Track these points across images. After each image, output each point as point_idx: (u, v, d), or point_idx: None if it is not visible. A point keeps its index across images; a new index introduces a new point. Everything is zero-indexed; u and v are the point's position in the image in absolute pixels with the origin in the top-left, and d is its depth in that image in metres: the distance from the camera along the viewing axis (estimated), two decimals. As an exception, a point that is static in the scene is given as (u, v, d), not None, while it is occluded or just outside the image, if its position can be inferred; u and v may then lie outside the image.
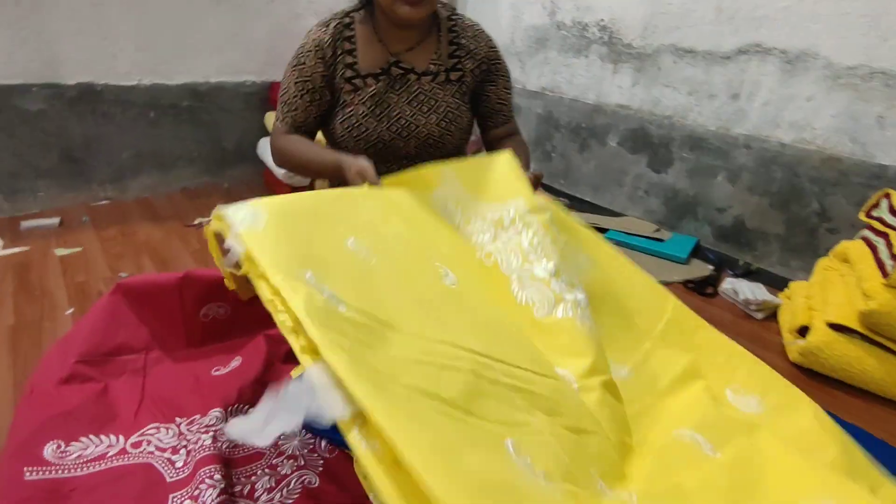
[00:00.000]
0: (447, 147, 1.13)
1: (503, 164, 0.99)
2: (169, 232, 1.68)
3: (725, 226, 1.71)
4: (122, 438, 0.84)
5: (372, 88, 1.04)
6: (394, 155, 1.10)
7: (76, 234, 1.63)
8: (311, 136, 1.12)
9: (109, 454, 0.81)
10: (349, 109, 1.05)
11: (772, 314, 1.37)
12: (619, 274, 0.98)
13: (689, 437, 0.72)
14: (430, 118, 1.07)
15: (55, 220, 1.68)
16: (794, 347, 1.15)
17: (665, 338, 0.90)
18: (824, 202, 1.47)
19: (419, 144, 1.09)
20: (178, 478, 0.77)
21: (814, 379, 1.13)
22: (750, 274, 1.59)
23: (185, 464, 0.80)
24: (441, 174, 0.99)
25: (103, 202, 1.89)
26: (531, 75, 2.27)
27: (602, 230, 1.80)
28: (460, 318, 0.70)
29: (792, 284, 1.36)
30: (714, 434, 0.72)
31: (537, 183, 1.02)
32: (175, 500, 0.74)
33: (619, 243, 1.74)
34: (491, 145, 1.20)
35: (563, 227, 0.96)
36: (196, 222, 1.76)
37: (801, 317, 1.18)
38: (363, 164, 0.92)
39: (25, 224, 1.65)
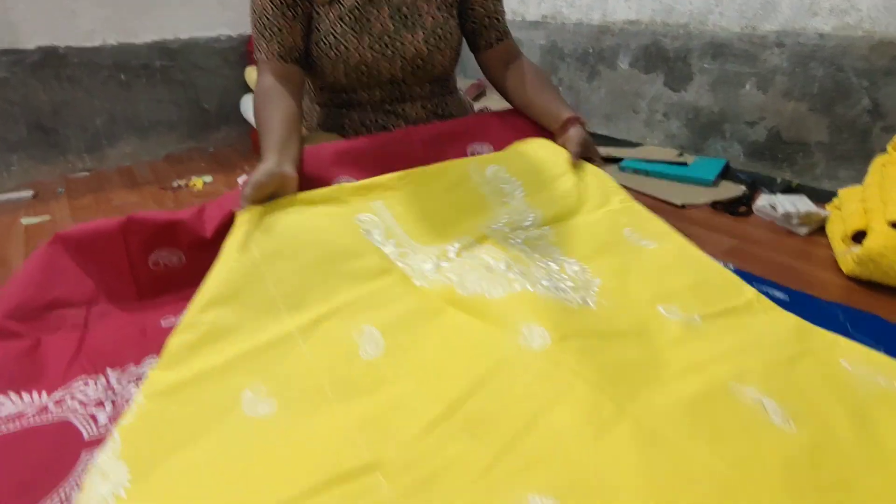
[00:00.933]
0: (436, 68, 1.01)
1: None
2: (145, 196, 1.58)
3: (758, 141, 1.49)
4: (45, 395, 0.73)
5: (350, 1, 0.92)
6: (377, 78, 0.98)
7: (48, 205, 1.54)
8: (305, 67, 0.99)
9: (28, 413, 0.70)
10: (325, 27, 0.93)
11: (818, 229, 1.17)
12: (692, 254, 0.85)
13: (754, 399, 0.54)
14: (417, 34, 0.96)
15: (28, 193, 1.60)
16: (849, 257, 0.96)
17: (749, 309, 0.73)
18: (877, 96, 1.25)
19: (405, 65, 0.97)
20: (96, 435, 0.65)
21: (875, 291, 0.94)
22: (790, 191, 1.38)
23: (110, 419, 0.68)
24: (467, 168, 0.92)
25: (82, 174, 1.80)
26: (530, 4, 2.07)
27: (616, 160, 1.61)
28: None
29: (841, 192, 1.15)
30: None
31: (584, 147, 0.96)
32: (87, 458, 0.62)
33: (636, 171, 1.55)
34: (495, 73, 1.09)
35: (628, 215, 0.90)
36: (174, 185, 1.65)
37: (855, 221, 0.98)
38: (266, 174, 0.77)
39: (-3, 198, 1.57)
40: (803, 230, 1.16)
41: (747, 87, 1.47)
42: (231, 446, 0.53)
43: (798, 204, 1.17)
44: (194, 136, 1.99)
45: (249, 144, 2.03)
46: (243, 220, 0.77)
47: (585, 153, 0.95)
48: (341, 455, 0.48)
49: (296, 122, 0.90)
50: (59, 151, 1.75)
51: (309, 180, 0.91)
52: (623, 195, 0.93)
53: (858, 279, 0.96)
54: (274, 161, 0.80)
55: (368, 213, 0.83)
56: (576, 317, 0.67)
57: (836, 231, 1.06)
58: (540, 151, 0.98)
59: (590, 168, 0.95)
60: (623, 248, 0.83)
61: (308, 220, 0.79)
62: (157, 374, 0.62)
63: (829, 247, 1.10)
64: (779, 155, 1.46)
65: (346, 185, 0.86)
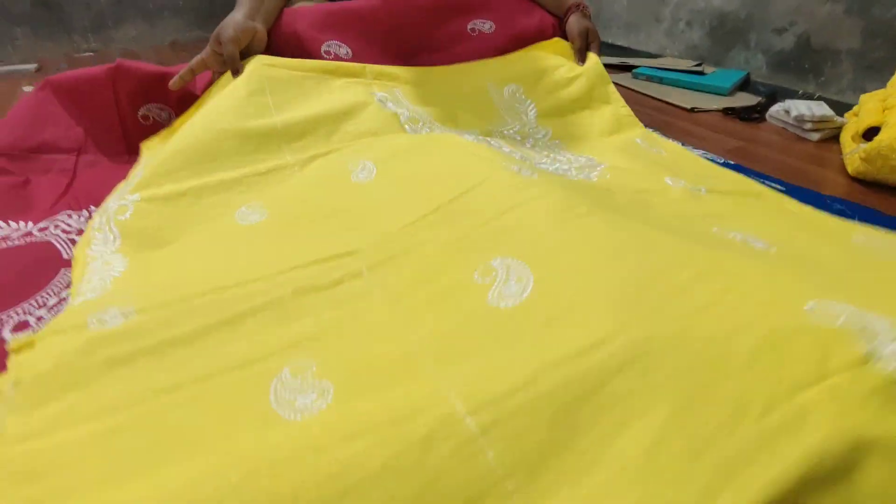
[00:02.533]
0: None
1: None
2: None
3: (785, 50, 1.40)
4: (30, 224, 0.75)
5: None
6: None
7: (51, 78, 1.53)
8: None
9: (13, 237, 0.72)
10: None
11: (832, 137, 1.11)
12: (703, 162, 0.87)
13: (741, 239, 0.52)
14: None
15: (31, 66, 1.59)
16: (857, 154, 0.91)
17: (761, 195, 0.73)
18: (919, -4, 1.15)
19: None
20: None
21: (877, 192, 0.90)
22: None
23: (90, 245, 0.70)
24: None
25: (87, 54, 1.78)
26: None
27: (629, 68, 1.53)
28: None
29: (863, 97, 1.08)
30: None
31: (584, 37, 0.99)
32: (66, 273, 0.64)
33: (649, 78, 1.48)
34: None
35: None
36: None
37: (870, 116, 0.93)
38: (234, 28, 0.76)
39: (0, 69, 1.56)
40: (815, 136, 1.10)
41: (780, -12, 1.37)
42: (218, 239, 0.57)
43: (814, 108, 1.11)
44: (201, 24, 1.94)
45: (257, 38, 1.98)
46: (250, 70, 0.78)
47: (586, 43, 0.98)
48: (323, 246, 0.50)
49: None
50: (63, 29, 1.72)
51: (292, 43, 0.89)
52: (633, 122, 0.95)
53: (863, 180, 0.92)
54: (243, 12, 0.77)
55: (385, 93, 0.84)
56: (569, 181, 0.68)
57: (847, 133, 1.01)
58: (559, 68, 0.97)
59: (604, 93, 0.96)
60: (634, 150, 0.84)
61: (324, 83, 0.81)
62: (155, 179, 0.65)
63: (839, 152, 1.05)
64: (805, 65, 1.37)
65: (367, 67, 0.86)
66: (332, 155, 0.71)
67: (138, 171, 0.72)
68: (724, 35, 1.52)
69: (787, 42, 1.39)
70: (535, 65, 0.96)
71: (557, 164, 0.76)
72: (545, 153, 0.81)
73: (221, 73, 0.82)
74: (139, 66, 0.91)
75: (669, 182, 0.69)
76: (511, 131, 0.86)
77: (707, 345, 0.32)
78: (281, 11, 0.93)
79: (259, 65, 0.79)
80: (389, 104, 0.82)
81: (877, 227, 0.69)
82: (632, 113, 0.96)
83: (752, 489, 0.25)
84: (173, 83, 0.79)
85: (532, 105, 0.91)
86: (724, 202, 0.65)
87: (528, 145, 0.84)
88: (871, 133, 0.92)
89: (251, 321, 0.43)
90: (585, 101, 0.94)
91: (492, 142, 0.81)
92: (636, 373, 0.31)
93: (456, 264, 0.44)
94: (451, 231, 0.49)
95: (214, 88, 0.82)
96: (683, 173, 0.73)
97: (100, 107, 0.91)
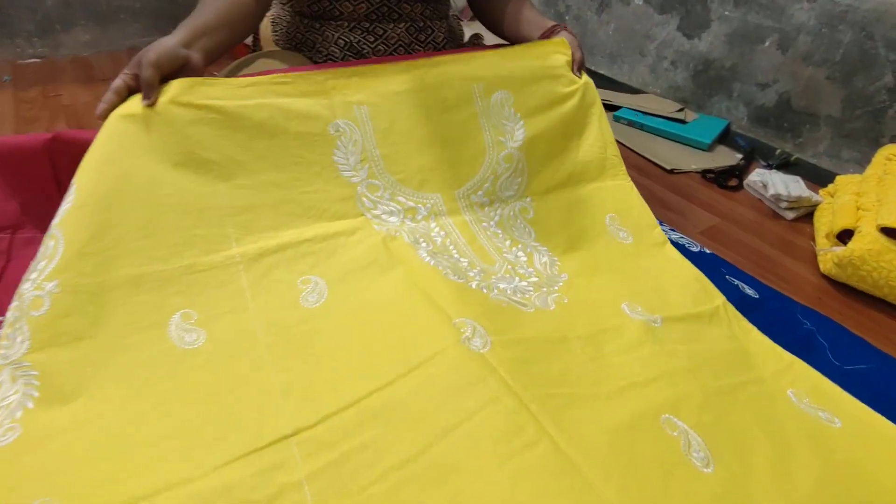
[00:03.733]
0: None
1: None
2: (99, 95, 1.44)
3: (766, 106, 1.38)
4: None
5: None
6: None
7: (-8, 94, 1.41)
8: None
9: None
10: None
11: (807, 214, 1.11)
12: (669, 256, 0.84)
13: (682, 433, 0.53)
14: None
15: (-30, 77, 1.45)
16: (830, 256, 0.91)
17: (713, 319, 0.72)
18: (901, 74, 1.14)
19: None
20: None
21: (848, 295, 0.90)
22: (787, 166, 1.30)
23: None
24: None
25: (32, 60, 1.64)
26: (547, -89, 1.82)
27: (614, 108, 1.49)
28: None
29: (839, 178, 1.08)
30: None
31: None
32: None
33: (631, 123, 1.45)
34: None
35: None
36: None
37: (844, 218, 0.92)
38: (156, 52, 0.61)
39: (-66, 80, 1.43)
40: (791, 214, 1.10)
41: (767, 43, 1.34)
42: (151, 377, 0.50)
43: (791, 187, 1.10)
44: (162, 27, 1.80)
45: (222, 44, 1.85)
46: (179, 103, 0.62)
47: (581, 58, 0.89)
48: (263, 422, 0.47)
49: (236, 18, 0.74)
50: (5, 33, 1.58)
51: None
52: (620, 167, 0.88)
53: (834, 280, 0.92)
54: (179, 39, 0.67)
55: (348, 121, 0.72)
56: (527, 322, 0.64)
57: (823, 223, 1.00)
58: (558, 78, 0.85)
59: (596, 119, 0.88)
60: (600, 239, 0.81)
61: (276, 116, 0.67)
62: (79, 261, 0.54)
63: (812, 237, 1.04)
64: (784, 124, 1.36)
65: (335, 70, 0.72)
66: (281, 260, 0.63)
67: (50, 234, 0.55)
68: (709, 81, 1.49)
69: (769, 98, 1.37)
70: (532, 66, 0.83)
71: (518, 281, 0.72)
72: (507, 255, 0.76)
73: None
74: (80, 136, 0.83)
75: (626, 310, 0.68)
76: (480, 194, 0.79)
77: None
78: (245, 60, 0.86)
79: (193, 96, 0.63)
80: (348, 153, 0.71)
81: (833, 358, 0.71)
82: (618, 153, 0.89)
83: None
84: (100, 111, 0.65)
85: (521, 124, 0.81)
86: (676, 346, 0.64)
87: (493, 224, 0.78)
88: (844, 234, 0.91)
89: None
90: (576, 127, 0.85)
91: (453, 238, 0.75)
92: None
93: None
94: (392, 446, 0.46)
95: (130, 125, 0.62)
96: (644, 283, 0.73)
97: (37, 179, 0.83)
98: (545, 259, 0.77)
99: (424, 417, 0.48)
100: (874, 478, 0.52)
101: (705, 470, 0.49)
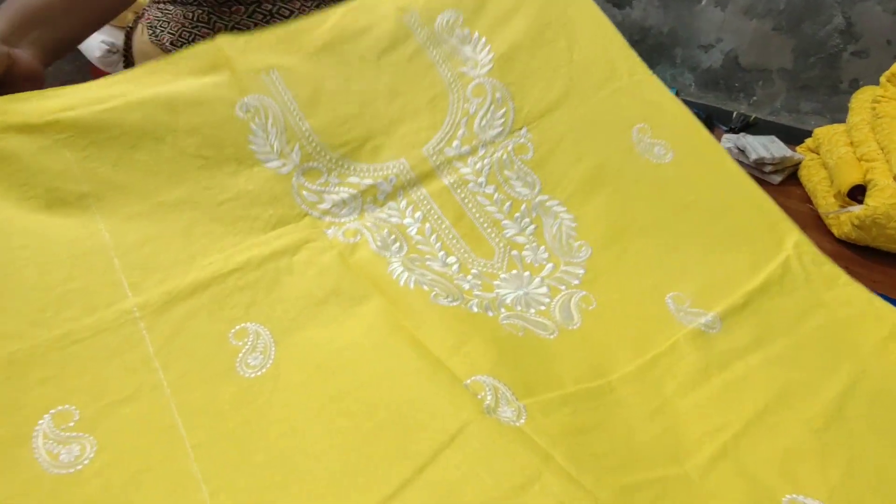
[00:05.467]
0: None
1: None
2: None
3: (713, 68, 1.30)
4: None
5: None
6: None
7: None
8: None
9: None
10: None
11: (790, 175, 1.02)
12: (716, 178, 0.60)
13: None
14: None
15: None
16: (845, 218, 0.81)
17: (784, 282, 0.54)
18: (850, 14, 1.08)
19: None
20: None
21: (877, 259, 0.81)
22: (749, 127, 1.23)
23: None
24: None
25: None
26: None
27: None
28: None
29: (818, 131, 0.99)
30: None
31: None
32: None
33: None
34: None
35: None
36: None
37: (848, 173, 0.83)
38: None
39: None
40: (777, 178, 1.01)
41: (703, 2, 1.26)
42: None
43: (771, 148, 1.01)
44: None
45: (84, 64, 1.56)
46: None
47: None
48: None
49: (87, 7, 0.55)
50: None
51: None
52: (634, 60, 0.65)
53: (852, 244, 0.82)
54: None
55: (259, 95, 0.54)
56: (556, 360, 0.47)
57: (818, 183, 0.91)
58: None
59: (582, 10, 0.66)
60: (628, 166, 0.60)
61: (157, 112, 0.49)
62: None
63: (806, 199, 0.95)
64: (735, 84, 1.28)
65: (229, 37, 0.54)
66: (198, 305, 0.44)
67: None
68: (648, 50, 1.40)
69: (714, 59, 1.29)
70: None
71: (525, 286, 0.55)
72: (511, 230, 0.57)
73: None
74: None
75: (672, 309, 0.52)
76: (456, 143, 0.59)
77: None
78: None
79: (31, 115, 0.45)
80: (267, 135, 0.53)
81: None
82: (627, 46, 0.67)
83: None
84: None
85: (482, 43, 0.62)
86: (743, 340, 0.50)
87: (483, 180, 0.58)
88: (853, 191, 0.82)
89: None
90: (558, 28, 0.65)
91: (432, 221, 0.56)
92: None
93: None
94: None
95: None
96: (688, 263, 0.55)
97: None
98: (557, 223, 0.58)
99: None
100: None
101: None
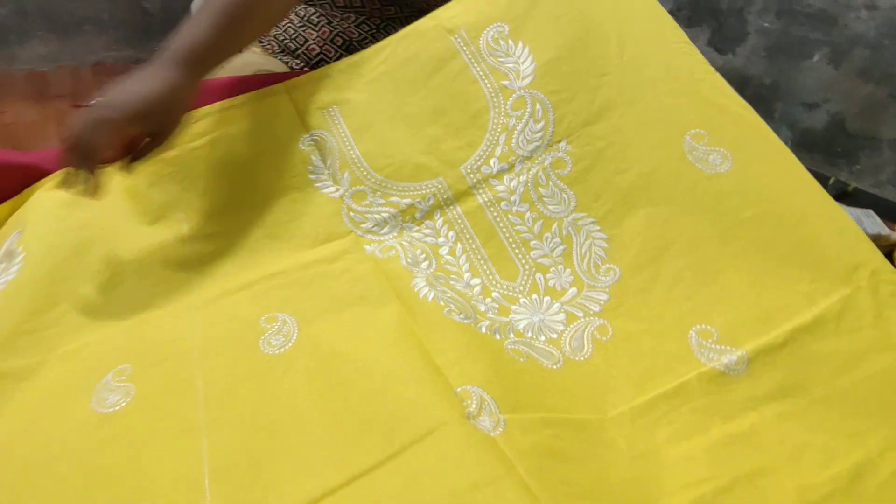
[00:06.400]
0: None
1: None
2: (48, 115, 1.27)
3: (814, 129, 1.22)
4: None
5: None
6: None
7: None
8: None
9: None
10: None
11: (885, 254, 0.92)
12: (784, 185, 0.54)
13: None
14: None
15: None
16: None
17: (843, 317, 0.47)
18: (985, 90, 0.97)
19: None
20: None
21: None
22: (846, 197, 1.13)
23: None
24: None
25: (-18, 75, 1.46)
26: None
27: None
28: None
29: (924, 213, 0.90)
30: None
31: None
32: None
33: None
34: None
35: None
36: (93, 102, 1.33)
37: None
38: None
39: None
40: (867, 256, 0.92)
41: (816, 57, 1.18)
42: (53, 459, 0.40)
43: (865, 223, 0.92)
44: (133, 41, 1.63)
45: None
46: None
47: None
48: None
49: (251, 33, 0.57)
50: (-49, 43, 1.40)
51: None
52: (695, 57, 0.60)
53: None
54: (186, 75, 0.50)
55: (320, 130, 0.61)
56: (552, 388, 0.47)
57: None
58: None
59: (637, 6, 0.62)
60: (675, 179, 0.55)
61: (235, 147, 0.59)
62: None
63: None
64: (838, 149, 1.19)
65: (292, 79, 0.63)
66: (246, 294, 0.53)
67: None
68: (746, 101, 1.32)
69: (818, 120, 1.20)
70: None
71: (542, 313, 0.53)
72: (535, 252, 0.55)
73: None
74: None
75: (694, 345, 0.48)
76: (494, 160, 0.58)
77: None
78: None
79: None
80: (324, 166, 0.60)
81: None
82: (686, 40, 0.62)
83: None
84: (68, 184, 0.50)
85: (526, 53, 0.60)
86: (767, 386, 0.44)
87: (517, 198, 0.57)
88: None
89: None
90: (610, 26, 0.60)
91: (463, 242, 0.57)
92: None
93: None
94: None
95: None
96: (725, 291, 0.50)
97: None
98: (587, 243, 0.55)
99: None
100: None
101: None
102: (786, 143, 1.30)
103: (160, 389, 0.43)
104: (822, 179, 1.17)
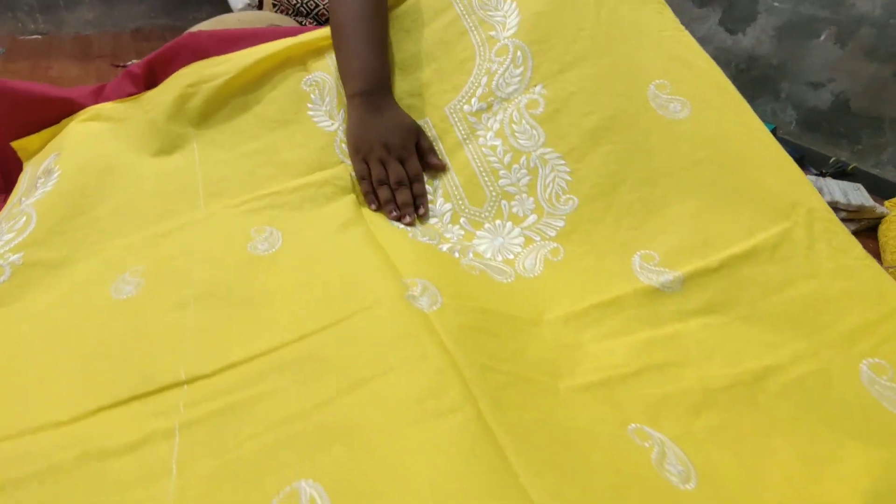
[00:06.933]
0: None
1: None
2: (89, 71, 1.37)
3: (818, 108, 1.22)
4: None
5: None
6: None
7: (-19, 65, 1.34)
8: None
9: None
10: None
11: (869, 228, 0.94)
12: (736, 132, 0.58)
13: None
14: None
15: (-36, 48, 1.40)
16: (905, 273, 0.74)
17: (778, 250, 0.51)
18: None
19: None
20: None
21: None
22: (844, 176, 1.13)
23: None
24: None
25: (33, 36, 1.58)
26: None
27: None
28: None
29: (911, 186, 0.91)
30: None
31: None
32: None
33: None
34: None
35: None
36: (128, 63, 1.43)
37: (924, 228, 0.75)
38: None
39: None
40: (850, 227, 0.93)
41: (823, 37, 1.18)
42: (73, 325, 0.49)
43: (850, 194, 0.93)
44: (169, 10, 1.74)
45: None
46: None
47: None
48: (162, 364, 0.44)
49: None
50: (6, 6, 1.53)
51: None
52: (666, 16, 0.65)
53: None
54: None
55: (322, 72, 0.68)
56: (498, 294, 0.51)
57: (893, 236, 0.83)
58: None
59: None
60: (638, 122, 0.59)
61: (248, 94, 0.67)
62: (48, 238, 0.58)
63: (877, 253, 0.88)
64: (840, 128, 1.19)
65: (294, 42, 0.70)
66: (242, 208, 0.60)
67: (22, 210, 0.59)
68: (752, 81, 1.34)
69: (823, 99, 1.21)
70: None
71: (503, 237, 0.58)
72: (503, 181, 0.60)
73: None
74: (24, 88, 0.73)
75: (636, 266, 0.52)
76: (475, 100, 0.64)
77: None
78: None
79: (184, 84, 0.66)
80: (322, 103, 0.67)
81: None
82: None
83: None
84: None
85: (513, 7, 0.66)
86: (696, 303, 0.48)
87: (492, 135, 0.62)
88: (923, 247, 0.75)
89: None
90: None
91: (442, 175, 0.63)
92: None
93: (266, 471, 0.36)
94: (291, 396, 0.40)
95: (121, 106, 0.69)
96: (671, 224, 0.54)
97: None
98: (552, 175, 0.60)
99: (334, 372, 0.40)
100: None
101: (683, 486, 0.35)
102: (790, 123, 1.31)
103: (163, 281, 0.51)
104: (824, 160, 1.18)
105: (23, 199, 0.62)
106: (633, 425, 0.38)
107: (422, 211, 0.60)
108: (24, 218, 0.58)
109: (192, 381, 0.40)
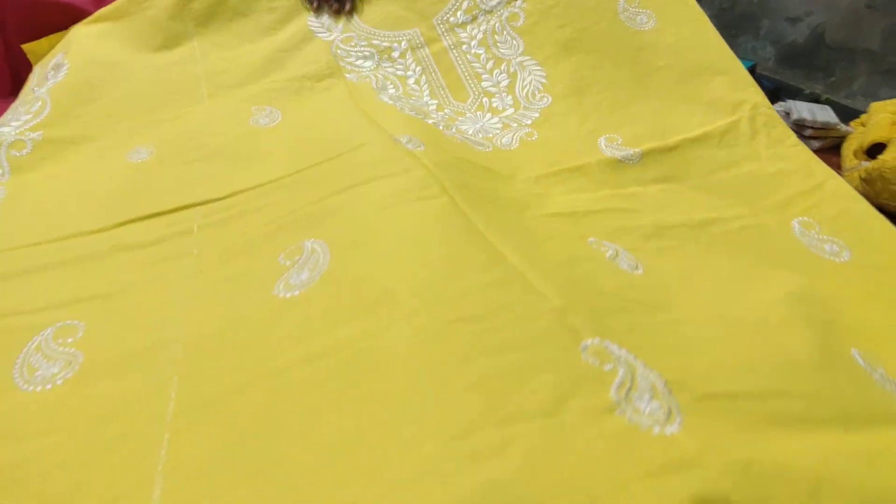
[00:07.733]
0: None
1: None
2: None
3: (796, 42, 1.26)
4: None
5: None
6: None
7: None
8: None
9: None
10: None
11: (834, 146, 0.99)
12: (695, 43, 0.67)
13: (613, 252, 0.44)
14: None
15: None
16: (857, 172, 0.79)
17: (724, 139, 0.60)
18: (953, -5, 1.01)
19: None
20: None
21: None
22: (816, 103, 1.18)
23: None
24: None
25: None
26: None
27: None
28: None
29: (873, 105, 0.96)
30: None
31: None
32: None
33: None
34: None
35: None
36: None
37: (876, 131, 0.81)
38: None
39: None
40: (815, 144, 0.98)
41: (801, -30, 1.22)
42: (93, 179, 0.56)
43: (816, 112, 0.98)
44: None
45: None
46: None
47: None
48: (177, 194, 0.50)
49: None
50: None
51: None
52: None
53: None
54: None
55: None
56: (476, 156, 0.59)
57: (852, 145, 0.89)
58: None
59: None
60: (607, 33, 0.67)
61: (252, 8, 0.75)
62: (64, 119, 0.63)
63: (839, 165, 0.93)
64: (815, 62, 1.23)
65: None
66: (246, 93, 0.68)
67: (37, 97, 0.65)
68: (734, 19, 1.37)
69: (800, 33, 1.25)
70: None
71: (484, 121, 0.65)
72: (485, 81, 0.68)
73: None
74: None
75: (602, 145, 0.59)
76: (461, 12, 0.71)
77: (465, 361, 0.31)
78: None
79: None
80: (320, 27, 0.74)
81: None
82: None
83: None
84: None
85: None
86: (652, 173, 0.55)
87: (476, 43, 0.69)
88: (875, 150, 0.80)
89: (45, 275, 0.42)
90: None
91: (427, 73, 0.70)
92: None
93: (272, 240, 0.44)
94: (291, 200, 0.48)
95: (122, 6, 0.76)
96: (632, 115, 0.62)
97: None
98: (529, 78, 0.68)
99: (329, 182, 0.48)
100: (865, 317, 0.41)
101: (634, 271, 0.41)
102: (769, 60, 1.35)
103: (173, 150, 0.59)
104: (797, 92, 1.23)
105: (35, 88, 0.68)
106: (592, 238, 0.44)
107: (348, 7, 0.70)
108: (40, 102, 0.64)
109: (205, 202, 0.48)
